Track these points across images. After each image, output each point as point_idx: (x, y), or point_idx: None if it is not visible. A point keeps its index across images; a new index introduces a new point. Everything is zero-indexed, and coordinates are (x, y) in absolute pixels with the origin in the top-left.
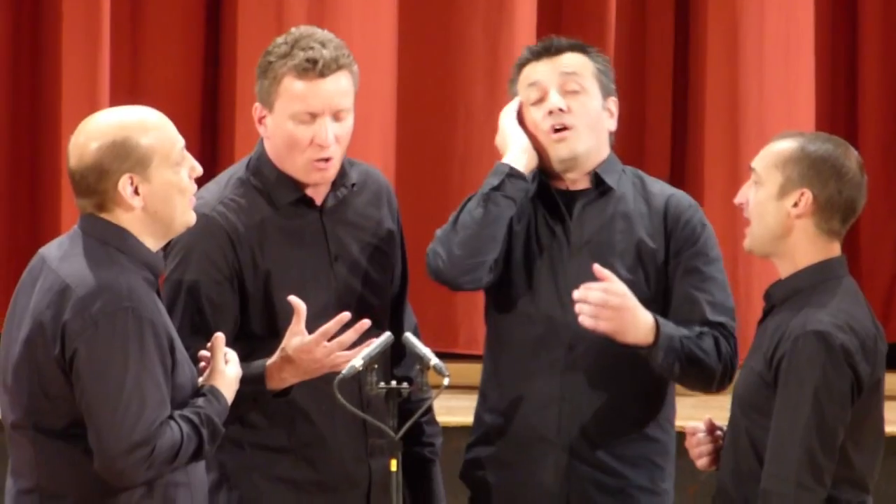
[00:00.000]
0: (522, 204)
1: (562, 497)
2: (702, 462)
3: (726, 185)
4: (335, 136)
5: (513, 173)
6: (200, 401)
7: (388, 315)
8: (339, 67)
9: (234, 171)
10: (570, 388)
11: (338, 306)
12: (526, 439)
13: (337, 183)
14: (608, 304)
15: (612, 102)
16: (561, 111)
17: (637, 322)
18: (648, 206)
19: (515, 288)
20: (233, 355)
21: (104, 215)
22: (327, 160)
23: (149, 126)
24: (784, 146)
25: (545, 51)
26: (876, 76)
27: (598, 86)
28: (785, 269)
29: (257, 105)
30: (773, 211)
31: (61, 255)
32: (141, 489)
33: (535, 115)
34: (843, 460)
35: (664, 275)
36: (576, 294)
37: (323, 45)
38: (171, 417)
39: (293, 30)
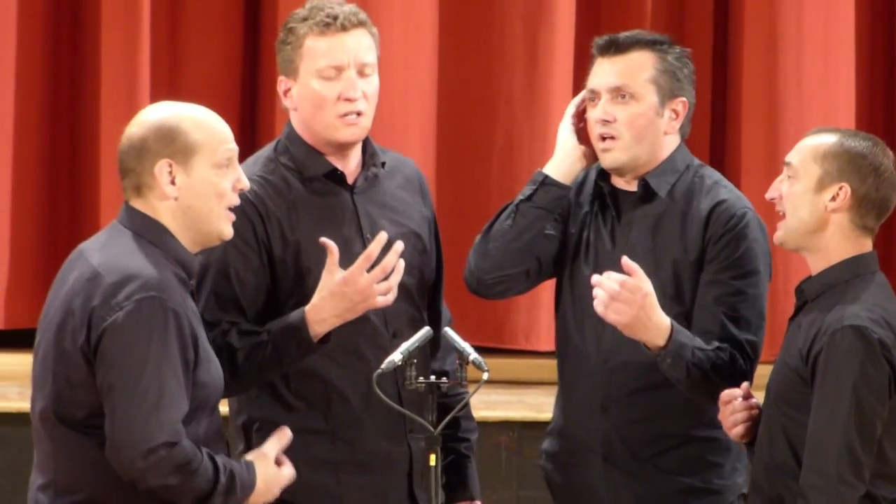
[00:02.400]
0: (583, 203)
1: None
2: (736, 431)
3: (764, 180)
4: (363, 93)
5: (548, 182)
6: (233, 461)
7: (424, 298)
8: (360, 23)
9: (263, 151)
10: (608, 400)
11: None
12: (575, 445)
13: (367, 162)
14: (621, 297)
15: (679, 103)
16: (606, 121)
17: (649, 323)
18: (695, 214)
19: (564, 292)
20: (289, 470)
21: (140, 202)
22: (358, 114)
23: (202, 121)
24: (822, 140)
25: (608, 48)
26: None
27: (656, 90)
28: (817, 264)
29: (281, 78)
30: (809, 204)
31: (97, 247)
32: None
33: (590, 116)
34: (878, 456)
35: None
36: (594, 278)
37: (341, 4)
38: (199, 448)
39: (308, 1)
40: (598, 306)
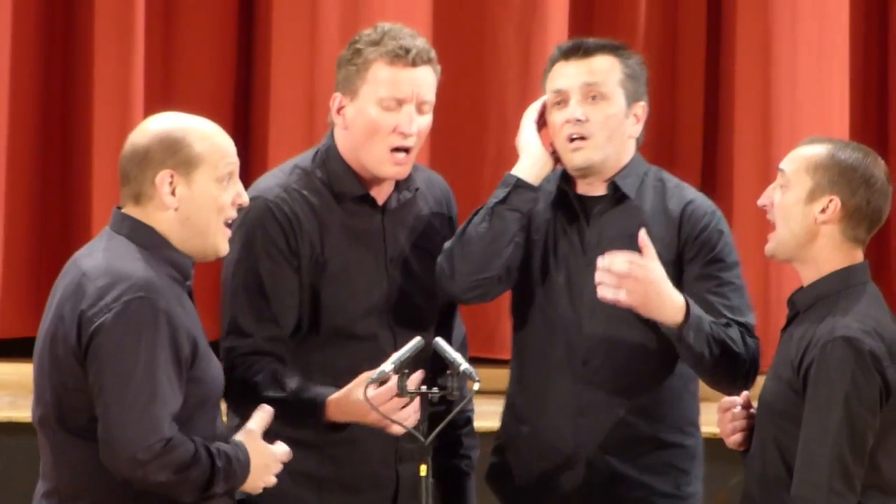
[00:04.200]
0: (543, 210)
1: None
2: (733, 439)
3: (757, 189)
4: (417, 129)
5: (520, 184)
6: (224, 445)
7: (436, 321)
8: (429, 60)
9: (300, 161)
10: (586, 402)
11: (388, 308)
12: (545, 450)
13: (401, 185)
14: (632, 274)
15: (640, 107)
16: (578, 121)
17: (664, 298)
18: (666, 214)
19: (533, 298)
20: (282, 447)
21: (137, 211)
22: (406, 151)
23: (207, 134)
24: (814, 151)
25: (573, 51)
26: None
27: (623, 92)
28: (807, 275)
29: (337, 94)
30: (799, 216)
31: (87, 253)
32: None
33: (556, 119)
34: (871, 466)
35: (679, 285)
36: (600, 262)
37: (413, 37)
38: (190, 439)
39: (379, 24)
40: (608, 292)
